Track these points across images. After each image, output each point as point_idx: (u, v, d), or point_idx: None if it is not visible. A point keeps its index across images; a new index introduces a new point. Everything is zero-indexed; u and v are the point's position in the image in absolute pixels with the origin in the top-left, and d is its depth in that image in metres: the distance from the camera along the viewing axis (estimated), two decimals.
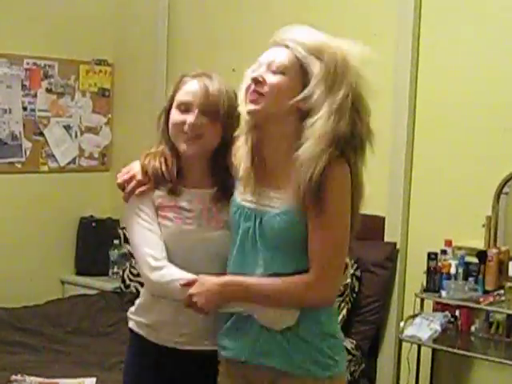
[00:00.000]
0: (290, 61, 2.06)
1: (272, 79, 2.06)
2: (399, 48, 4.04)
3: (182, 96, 2.25)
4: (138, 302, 2.36)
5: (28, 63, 5.01)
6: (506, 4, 3.82)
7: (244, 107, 2.11)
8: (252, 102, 2.07)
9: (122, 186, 2.28)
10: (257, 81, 2.06)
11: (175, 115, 2.25)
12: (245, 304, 2.09)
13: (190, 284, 2.08)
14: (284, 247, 2.06)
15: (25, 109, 5.01)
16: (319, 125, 1.99)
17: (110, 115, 5.50)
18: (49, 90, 5.14)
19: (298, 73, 2.06)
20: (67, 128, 5.26)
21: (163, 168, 2.25)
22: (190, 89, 2.25)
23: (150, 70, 5.24)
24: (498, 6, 3.83)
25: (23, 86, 4.99)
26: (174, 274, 2.14)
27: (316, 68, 2.03)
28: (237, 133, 2.24)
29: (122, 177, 2.29)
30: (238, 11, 4.80)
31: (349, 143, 2.02)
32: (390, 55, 4.03)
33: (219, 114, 2.22)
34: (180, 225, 2.23)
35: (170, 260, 2.19)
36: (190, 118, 2.21)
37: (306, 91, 2.03)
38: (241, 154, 2.17)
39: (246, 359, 2.13)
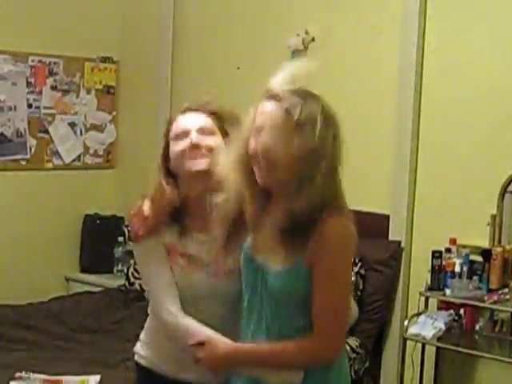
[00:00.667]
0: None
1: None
2: (404, 48, 4.05)
3: (175, 129, 2.25)
4: (142, 337, 2.40)
5: (33, 60, 5.02)
6: None
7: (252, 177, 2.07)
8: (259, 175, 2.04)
9: (135, 229, 2.25)
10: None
11: (174, 147, 2.23)
12: (251, 369, 2.10)
13: (199, 344, 2.11)
14: (287, 304, 2.05)
15: (30, 106, 5.02)
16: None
17: (114, 113, 5.50)
18: (54, 88, 5.14)
19: None
20: (72, 125, 5.27)
21: (168, 208, 2.23)
22: (182, 120, 2.26)
23: (155, 67, 5.24)
24: None
25: (28, 83, 5.00)
26: (187, 328, 2.16)
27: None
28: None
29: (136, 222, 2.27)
30: (243, 9, 4.79)
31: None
32: (394, 52, 4.05)
33: (220, 125, 2.22)
34: (189, 273, 2.24)
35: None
36: (189, 140, 2.20)
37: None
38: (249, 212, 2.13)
39: None
